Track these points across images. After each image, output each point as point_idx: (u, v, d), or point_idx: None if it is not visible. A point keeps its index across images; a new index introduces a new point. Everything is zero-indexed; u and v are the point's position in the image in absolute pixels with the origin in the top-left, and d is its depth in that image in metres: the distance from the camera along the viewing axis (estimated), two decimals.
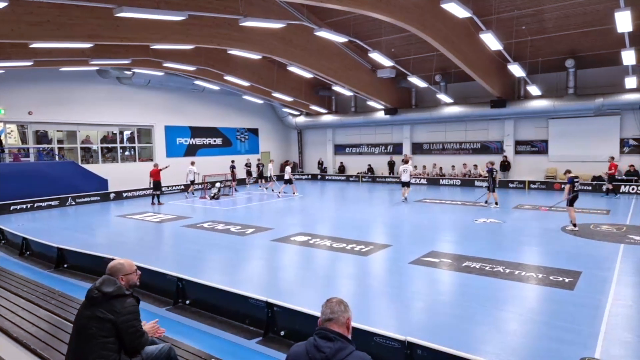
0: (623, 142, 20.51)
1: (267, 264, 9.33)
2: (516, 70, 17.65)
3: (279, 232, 11.71)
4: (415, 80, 20.24)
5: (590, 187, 20.31)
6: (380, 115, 25.76)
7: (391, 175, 26.61)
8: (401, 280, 7.83)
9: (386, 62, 17.18)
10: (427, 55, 18.79)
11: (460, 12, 11.48)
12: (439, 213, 15.15)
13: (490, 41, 14.06)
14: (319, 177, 29.57)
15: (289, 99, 25.33)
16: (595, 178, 20.74)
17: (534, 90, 19.91)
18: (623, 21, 11.62)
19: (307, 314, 5.01)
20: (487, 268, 8.14)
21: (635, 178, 19.57)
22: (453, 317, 5.96)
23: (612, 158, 18.94)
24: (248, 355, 5.05)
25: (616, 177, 19.12)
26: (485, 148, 24.34)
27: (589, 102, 19.61)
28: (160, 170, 18.30)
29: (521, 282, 7.42)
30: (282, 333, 5.32)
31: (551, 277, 7.56)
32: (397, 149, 27.48)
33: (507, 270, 7.97)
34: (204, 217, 14.41)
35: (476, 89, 20.94)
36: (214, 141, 26.82)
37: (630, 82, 17.47)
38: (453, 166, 24.86)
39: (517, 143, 23.32)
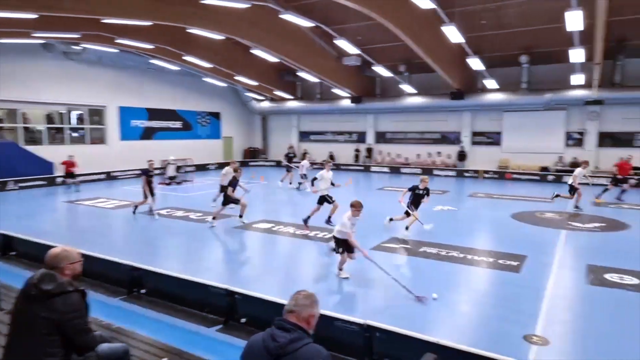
0: (568, 135, 21.78)
1: (229, 251, 9.30)
2: (475, 63, 18.23)
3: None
4: (380, 69, 20.48)
5: (538, 177, 21.52)
6: (345, 103, 25.92)
7: (356, 163, 26.94)
8: (362, 266, 8.05)
9: (352, 49, 17.26)
10: (392, 45, 19.00)
11: (425, 2, 11.67)
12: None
13: (453, 34, 14.42)
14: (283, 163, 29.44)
15: (253, 83, 24.94)
16: (543, 169, 21.96)
17: (490, 83, 20.68)
18: (573, 20, 12.25)
19: (269, 301, 5.08)
20: (443, 253, 8.53)
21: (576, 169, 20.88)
22: (411, 300, 6.23)
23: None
24: (208, 343, 5.06)
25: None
26: (444, 138, 25.11)
27: (540, 97, 20.66)
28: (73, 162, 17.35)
29: (473, 266, 7.85)
30: (243, 320, 5.36)
31: (500, 261, 8.03)
32: (362, 137, 27.81)
33: (461, 255, 8.39)
34: (163, 204, 14.06)
35: (438, 81, 21.47)
36: (173, 124, 25.98)
37: (576, 79, 18.50)
38: (418, 155, 25.53)
39: (474, 134, 24.22)
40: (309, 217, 10.52)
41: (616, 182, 15.26)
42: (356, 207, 7.07)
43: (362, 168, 26.40)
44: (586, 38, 14.95)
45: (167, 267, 6.78)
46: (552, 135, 21.99)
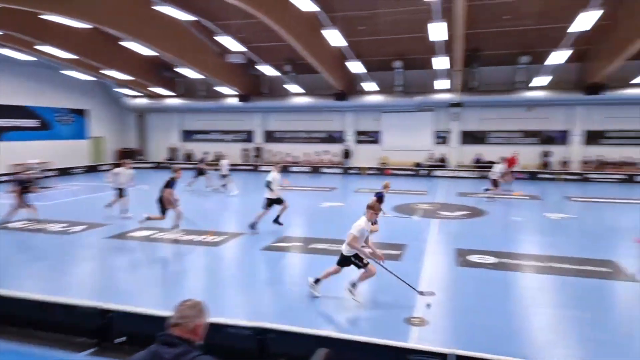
0: (436, 134, 24.33)
1: (101, 264, 8.31)
2: (356, 66, 19.26)
3: (116, 228, 10.53)
4: (265, 68, 20.38)
5: (413, 172, 23.62)
6: (232, 101, 25.30)
7: (246, 163, 26.46)
8: (253, 267, 7.87)
9: (236, 46, 16.84)
10: (278, 45, 19.06)
11: (306, 5, 11.88)
12: (292, 198, 15.70)
13: (334, 37, 14.98)
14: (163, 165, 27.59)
15: (125, 77, 22.79)
16: (416, 164, 24.18)
17: (370, 86, 22.07)
18: (436, 31, 13.67)
19: (151, 316, 4.63)
20: (331, 248, 8.75)
21: (443, 164, 23.51)
22: (302, 298, 6.24)
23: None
24: None
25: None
26: (331, 137, 26.08)
27: (412, 99, 22.70)
28: None
29: None
30: (120, 340, 4.78)
31: (384, 252, 8.52)
32: (250, 136, 27.43)
33: None
34: (19, 215, 12.06)
35: (323, 82, 22.16)
36: (27, 123, 22.43)
37: (441, 84, 20.72)
38: (306, 154, 26.01)
39: (358, 133, 25.62)
40: (255, 222, 10.05)
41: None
42: (375, 209, 6.25)
43: (251, 168, 26.08)
44: (448, 48, 16.80)
45: (25, 288, 5.78)
46: (423, 134, 24.35)
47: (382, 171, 24.17)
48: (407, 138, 24.43)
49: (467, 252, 8.45)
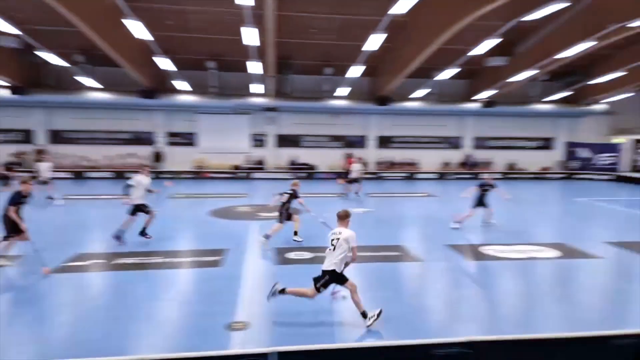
0: (253, 137, 24.82)
1: None
2: (164, 63, 18.00)
3: None
4: (49, 56, 17.21)
5: (231, 175, 23.54)
6: (4, 93, 20.55)
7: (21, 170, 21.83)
8: (39, 295, 6.45)
9: (7, 27, 13.69)
10: (66, 30, 16.30)
11: None
12: (88, 210, 13.64)
13: (137, 29, 13.67)
14: None
15: None
16: (235, 167, 24.18)
17: (181, 85, 20.98)
18: (248, 36, 13.85)
19: None
20: (144, 261, 7.89)
21: (261, 166, 24.18)
22: (108, 321, 5.39)
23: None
24: None
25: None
26: (138, 139, 23.81)
27: (229, 101, 22.58)
28: None
29: (177, 269, 7.62)
30: None
31: (202, 259, 8.15)
32: (29, 137, 22.83)
33: (165, 260, 8.00)
34: None
35: (126, 77, 20.02)
36: None
37: (256, 88, 21.22)
38: (108, 157, 23.05)
39: (170, 135, 24.07)
40: (122, 231, 8.70)
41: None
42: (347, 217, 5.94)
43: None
44: (261, 53, 17.27)
45: None
46: (241, 136, 24.53)
47: (199, 174, 23.34)
48: (225, 140, 24.22)
49: (285, 251, 8.74)
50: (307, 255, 8.48)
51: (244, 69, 20.31)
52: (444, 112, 25.00)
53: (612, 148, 25.21)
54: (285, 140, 25.11)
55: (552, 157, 26.62)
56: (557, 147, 26.68)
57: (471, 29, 15.41)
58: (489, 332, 4.61)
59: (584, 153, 25.79)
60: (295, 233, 9.59)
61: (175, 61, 18.78)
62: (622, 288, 7.14)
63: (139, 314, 5.65)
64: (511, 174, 25.41)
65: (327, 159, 25.12)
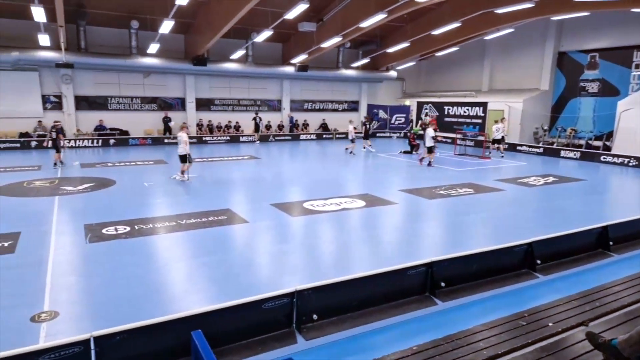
0: (45, 99, 20.81)
1: None
2: None
3: None
4: None
5: (19, 145, 19.47)
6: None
7: None
8: None
9: None
10: None
11: None
12: None
13: None
14: None
15: None
16: (22, 135, 20.05)
17: None
18: None
19: None
20: None
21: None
22: None
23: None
24: None
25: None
26: None
27: (5, 54, 18.24)
28: None
29: None
30: None
31: None
32: None
33: None
34: None
35: None
36: None
37: (43, 39, 17.60)
38: None
39: None
40: None
41: None
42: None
43: None
44: None
45: None
46: (29, 98, 20.26)
47: None
48: (8, 103, 19.63)
49: (98, 227, 7.87)
50: (124, 228, 7.82)
51: (23, 15, 16.56)
52: (262, 75, 25.35)
53: (404, 109, 29.86)
54: (89, 102, 21.83)
55: (359, 118, 30.06)
56: (362, 109, 30.19)
57: None
58: (313, 279, 5.15)
59: (382, 114, 29.85)
60: None
61: None
62: (412, 227, 8.81)
63: None
64: (325, 134, 27.77)
65: (141, 123, 22.98)
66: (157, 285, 5.61)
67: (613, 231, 6.99)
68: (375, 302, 4.89)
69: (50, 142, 15.09)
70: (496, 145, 19.29)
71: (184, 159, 12.50)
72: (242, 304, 4.16)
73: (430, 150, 15.77)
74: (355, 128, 20.78)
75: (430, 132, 15.80)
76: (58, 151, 14.82)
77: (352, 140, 19.92)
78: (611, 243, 6.92)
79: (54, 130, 14.96)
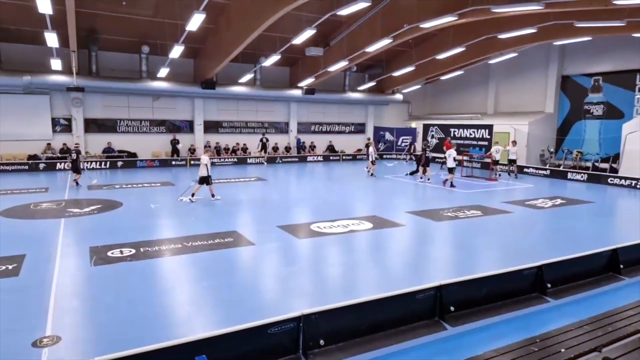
0: (55, 121, 21.17)
1: None
2: None
3: None
4: None
5: (27, 167, 19.70)
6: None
7: None
8: None
9: None
10: None
11: None
12: None
13: None
14: None
15: None
16: (31, 157, 20.31)
17: None
18: (42, 2, 11.53)
19: None
20: None
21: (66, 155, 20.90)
22: None
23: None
24: None
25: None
26: None
27: (17, 78, 18.68)
28: None
29: None
30: None
31: None
32: None
33: None
34: None
35: None
36: None
37: (55, 64, 18.04)
38: None
39: None
40: None
41: None
42: None
43: None
44: (60, 23, 14.72)
45: None
46: (39, 121, 20.63)
47: None
48: (18, 126, 19.98)
49: (103, 249, 7.85)
50: (129, 251, 7.79)
51: (37, 41, 17.05)
52: (270, 98, 25.68)
53: (410, 132, 29.96)
54: (98, 125, 22.17)
55: (365, 140, 30.15)
56: (368, 131, 30.34)
57: (291, 19, 16.15)
58: (320, 303, 5.05)
59: (389, 136, 29.97)
60: None
61: None
62: (420, 250, 8.70)
63: None
64: (332, 155, 27.86)
65: (149, 145, 23.24)
66: (161, 309, 5.54)
67: (623, 254, 6.85)
68: (384, 327, 4.77)
69: (70, 165, 15.69)
70: (506, 167, 19.59)
71: (203, 180, 12.69)
72: (247, 329, 4.07)
73: (451, 170, 16.12)
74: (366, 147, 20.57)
75: (452, 152, 16.15)
76: (78, 172, 15.31)
77: (373, 162, 19.69)
78: (621, 266, 6.77)
79: (74, 151, 15.60)
